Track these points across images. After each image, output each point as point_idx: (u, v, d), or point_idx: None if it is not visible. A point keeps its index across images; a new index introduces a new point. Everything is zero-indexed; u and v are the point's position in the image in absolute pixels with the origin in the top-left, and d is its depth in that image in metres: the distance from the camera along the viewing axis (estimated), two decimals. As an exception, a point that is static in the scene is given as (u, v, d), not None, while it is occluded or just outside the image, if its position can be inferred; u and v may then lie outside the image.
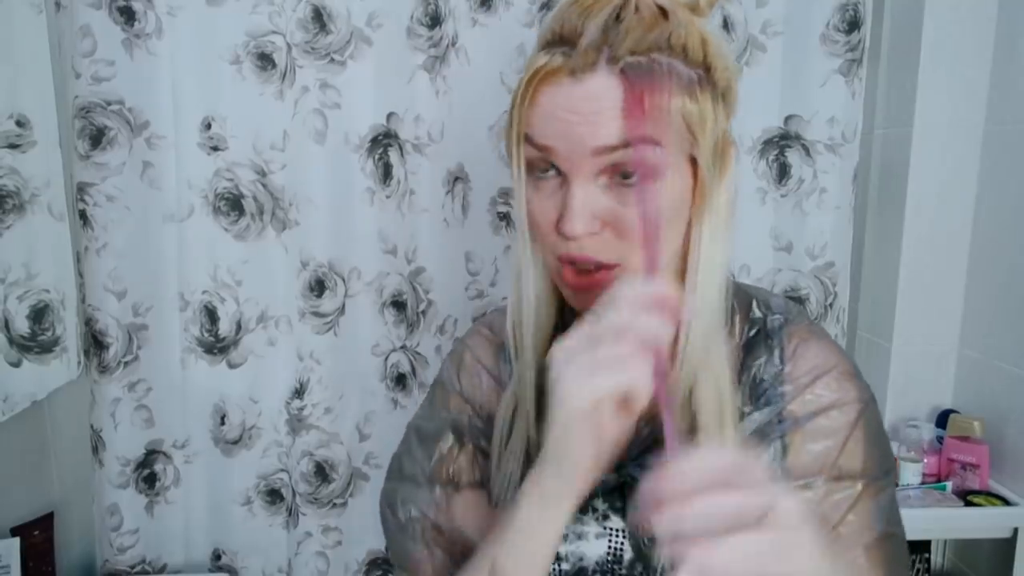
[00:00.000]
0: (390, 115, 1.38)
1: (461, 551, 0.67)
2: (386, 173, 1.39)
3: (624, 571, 0.65)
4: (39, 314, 1.27)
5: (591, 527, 0.65)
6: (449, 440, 0.72)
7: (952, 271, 1.54)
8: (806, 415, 0.62)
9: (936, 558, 1.60)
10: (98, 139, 1.29)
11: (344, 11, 1.32)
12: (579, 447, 0.52)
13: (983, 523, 1.39)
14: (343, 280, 1.41)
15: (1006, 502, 1.39)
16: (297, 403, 1.43)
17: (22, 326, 1.25)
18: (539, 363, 0.65)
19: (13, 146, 1.20)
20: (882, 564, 0.61)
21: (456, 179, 1.41)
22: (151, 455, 1.40)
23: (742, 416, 0.63)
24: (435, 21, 1.35)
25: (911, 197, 1.50)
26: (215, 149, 1.34)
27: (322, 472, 1.45)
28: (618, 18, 0.56)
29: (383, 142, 1.38)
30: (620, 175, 0.56)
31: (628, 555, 0.65)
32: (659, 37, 0.56)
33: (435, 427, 0.74)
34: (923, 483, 1.44)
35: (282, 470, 1.45)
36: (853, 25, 1.39)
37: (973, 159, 1.50)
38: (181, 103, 1.31)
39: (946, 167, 1.50)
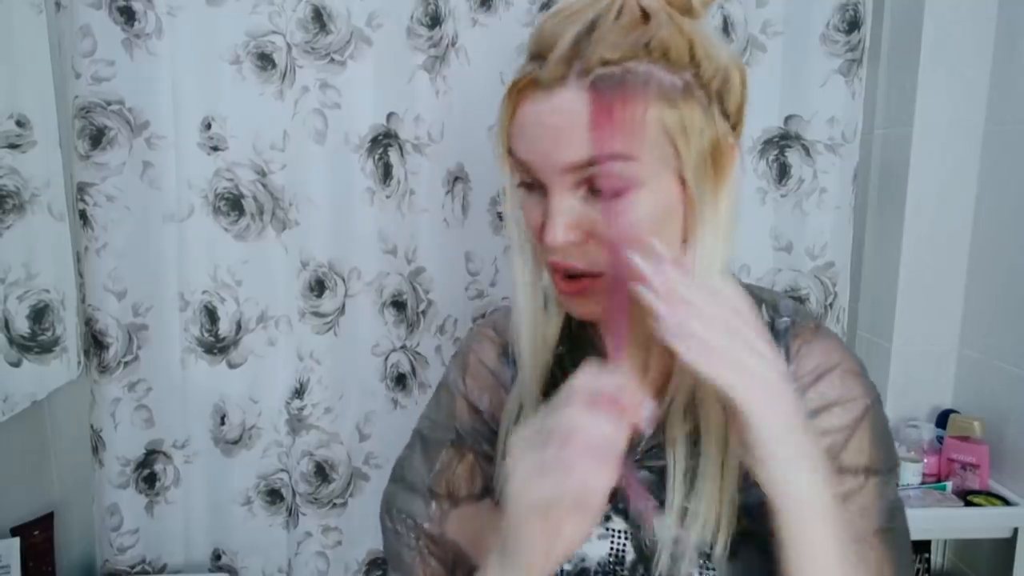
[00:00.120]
0: (390, 115, 1.38)
1: (455, 561, 0.68)
2: (386, 173, 1.39)
3: (626, 572, 0.65)
4: (39, 314, 1.27)
5: (616, 521, 0.65)
6: (450, 452, 0.72)
7: (952, 271, 1.54)
8: (809, 413, 0.62)
9: (936, 558, 1.60)
10: (98, 139, 1.29)
11: (344, 11, 1.32)
12: (528, 545, 0.51)
13: (983, 523, 1.39)
14: (343, 280, 1.41)
15: (1006, 502, 1.39)
16: (297, 403, 1.43)
17: (22, 326, 1.25)
18: (540, 369, 0.66)
19: (13, 146, 1.20)
20: (886, 556, 0.60)
21: (456, 179, 1.41)
22: (151, 455, 1.40)
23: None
24: (435, 21, 1.35)
25: (911, 197, 1.50)
26: (215, 149, 1.34)
27: (322, 472, 1.45)
28: (592, 28, 0.54)
29: (383, 142, 1.38)
30: (597, 188, 0.56)
31: (630, 556, 0.65)
32: (637, 43, 0.54)
33: (438, 437, 0.74)
34: (923, 483, 1.44)
35: (282, 470, 1.45)
36: (853, 25, 1.39)
37: (973, 159, 1.50)
38: (181, 103, 1.31)
39: (946, 167, 1.50)
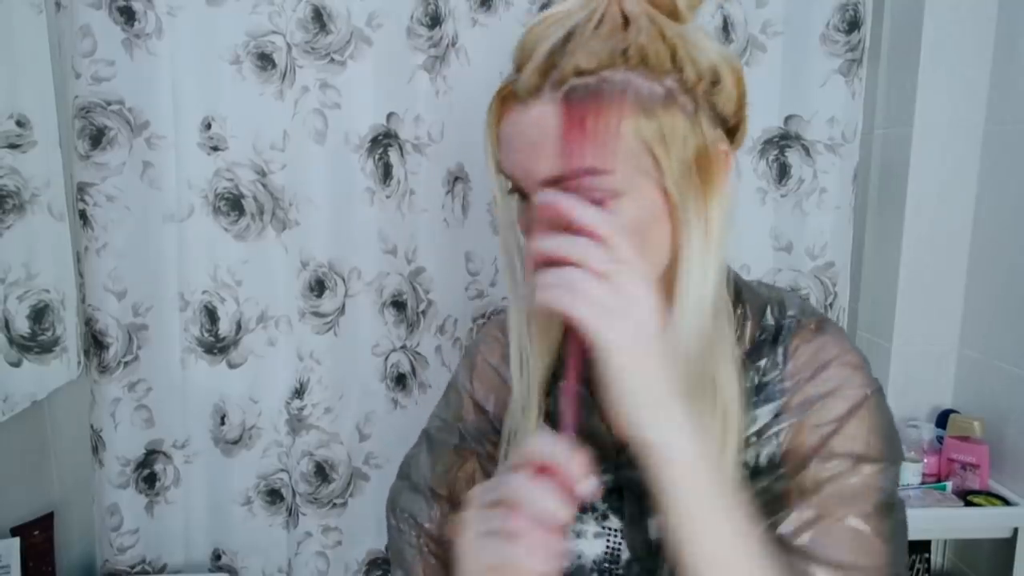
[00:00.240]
0: (390, 115, 1.38)
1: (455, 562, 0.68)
2: (386, 173, 1.39)
3: (621, 571, 0.65)
4: (39, 314, 1.27)
5: (590, 526, 0.66)
6: (453, 455, 0.73)
7: (952, 271, 1.54)
8: (802, 404, 0.61)
9: (936, 558, 1.60)
10: (98, 139, 1.29)
11: (344, 11, 1.32)
12: None
13: (983, 523, 1.39)
14: (343, 280, 1.41)
15: (1006, 502, 1.39)
16: (297, 403, 1.43)
17: (22, 326, 1.25)
18: (543, 371, 0.66)
19: (13, 146, 1.20)
20: (875, 548, 0.59)
21: (456, 179, 1.41)
22: (151, 455, 1.40)
23: (745, 413, 0.62)
24: (435, 21, 1.35)
25: (911, 197, 1.50)
26: (215, 149, 1.34)
27: (322, 472, 1.45)
28: (570, 37, 0.54)
29: (383, 142, 1.38)
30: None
31: (625, 555, 0.65)
32: (614, 50, 0.53)
33: (443, 438, 0.75)
34: (923, 483, 1.44)
35: (282, 470, 1.45)
36: (853, 25, 1.39)
37: (973, 159, 1.50)
38: (181, 103, 1.31)
39: (946, 167, 1.50)
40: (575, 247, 0.50)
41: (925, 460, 1.46)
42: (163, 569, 1.43)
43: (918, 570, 1.56)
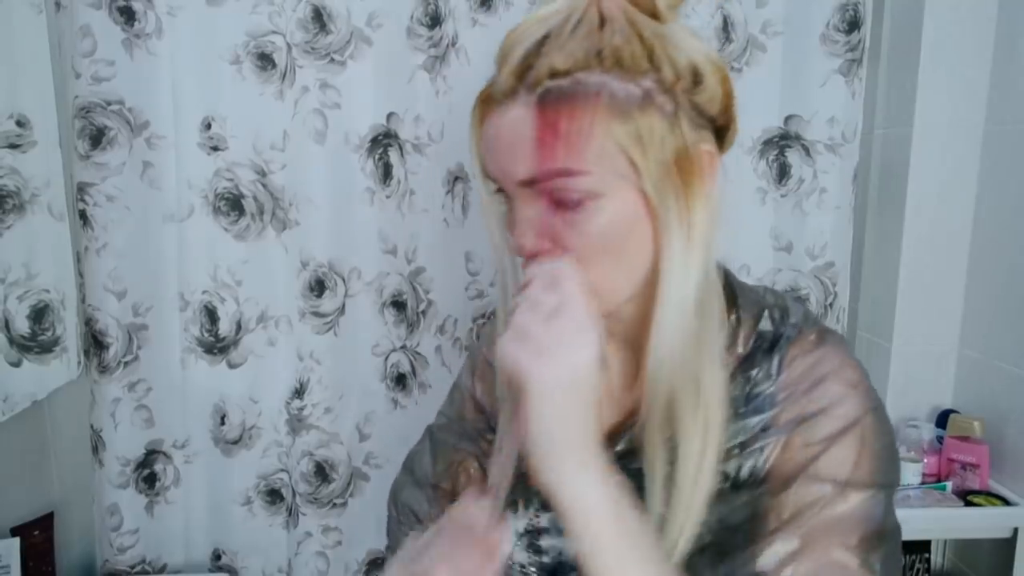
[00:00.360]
0: (390, 115, 1.38)
1: None
2: (386, 173, 1.39)
3: None
4: (39, 314, 1.27)
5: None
6: (454, 453, 0.74)
7: (952, 271, 1.54)
8: (792, 420, 0.59)
9: (936, 558, 1.60)
10: (98, 139, 1.29)
11: (344, 11, 1.32)
12: None
13: (983, 523, 1.39)
14: (343, 280, 1.41)
15: (1006, 502, 1.39)
16: (297, 403, 1.43)
17: (22, 326, 1.25)
18: None
19: (13, 146, 1.20)
20: (868, 566, 0.56)
21: (456, 179, 1.41)
22: (151, 455, 1.40)
23: (732, 423, 0.60)
24: (435, 21, 1.35)
25: (911, 197, 1.50)
26: (215, 149, 1.34)
27: (322, 472, 1.45)
28: (545, 39, 0.53)
29: (383, 142, 1.38)
30: (558, 199, 0.55)
31: None
32: (589, 51, 0.53)
33: (444, 437, 0.76)
34: (923, 483, 1.44)
35: (282, 470, 1.45)
36: (853, 25, 1.39)
37: (973, 159, 1.50)
38: (181, 103, 1.31)
39: (946, 167, 1.50)
40: (531, 292, 0.53)
41: (925, 460, 1.46)
42: (163, 569, 1.43)
43: (918, 570, 1.56)
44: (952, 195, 1.51)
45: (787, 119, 1.43)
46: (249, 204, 1.37)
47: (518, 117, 0.54)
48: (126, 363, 1.37)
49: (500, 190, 0.59)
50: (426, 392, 1.47)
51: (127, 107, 1.30)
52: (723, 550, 0.59)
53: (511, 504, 0.64)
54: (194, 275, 1.37)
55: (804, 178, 1.44)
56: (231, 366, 1.41)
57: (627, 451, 0.63)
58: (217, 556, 1.46)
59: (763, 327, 0.63)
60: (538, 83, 0.53)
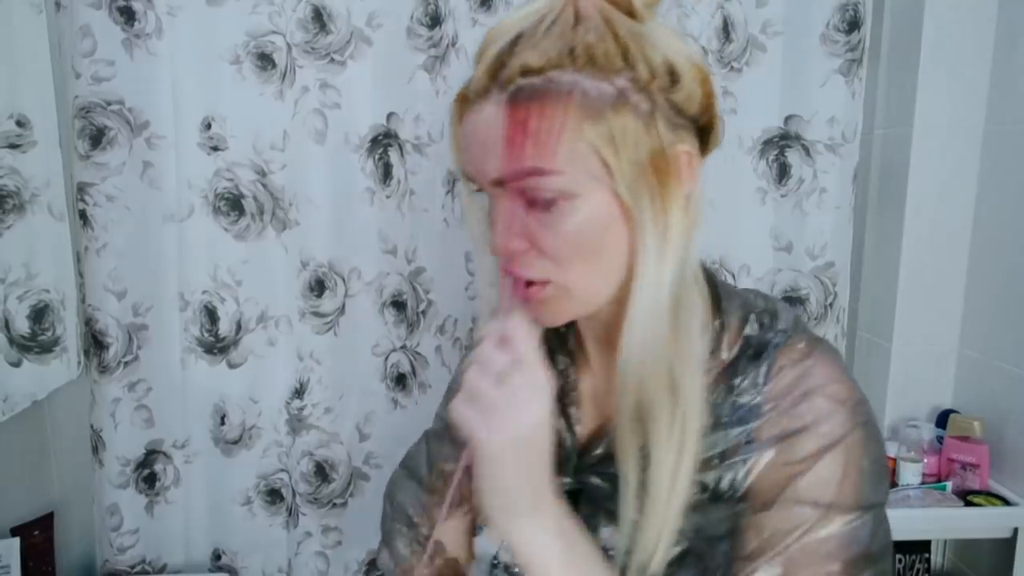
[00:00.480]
0: (390, 115, 1.38)
1: (443, 561, 0.69)
2: (386, 173, 1.39)
3: None
4: (39, 314, 1.27)
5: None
6: (443, 464, 0.74)
7: (952, 271, 1.54)
8: (776, 436, 0.57)
9: (936, 558, 1.60)
10: (98, 139, 1.29)
11: (344, 11, 1.32)
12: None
13: (983, 523, 1.39)
14: (343, 280, 1.41)
15: (1006, 502, 1.39)
16: (297, 403, 1.43)
17: (22, 326, 1.25)
18: None
19: (13, 146, 1.20)
20: None
21: (456, 179, 1.41)
22: (151, 455, 1.40)
23: (713, 432, 0.58)
24: (435, 21, 1.35)
25: (911, 197, 1.50)
26: (215, 149, 1.34)
27: (322, 472, 1.45)
28: (520, 37, 0.53)
29: (383, 142, 1.38)
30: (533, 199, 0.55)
31: None
32: (562, 50, 0.52)
33: (436, 446, 0.76)
34: (923, 483, 1.44)
35: (282, 470, 1.45)
36: (853, 25, 1.39)
37: (973, 159, 1.50)
38: (181, 103, 1.31)
39: (946, 167, 1.50)
40: (482, 352, 0.53)
41: (925, 460, 1.46)
42: (163, 569, 1.43)
43: (918, 570, 1.56)
44: (952, 195, 1.51)
45: (787, 119, 1.43)
46: (249, 204, 1.37)
47: (491, 116, 0.53)
48: (126, 363, 1.37)
49: (480, 190, 0.59)
50: (426, 392, 1.47)
51: (127, 107, 1.30)
52: (703, 561, 0.58)
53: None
54: (194, 275, 1.37)
55: (804, 178, 1.44)
56: (231, 366, 1.41)
57: (606, 455, 0.62)
58: (217, 556, 1.46)
59: (749, 331, 0.61)
60: (510, 81, 0.52)
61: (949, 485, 1.43)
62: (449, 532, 0.70)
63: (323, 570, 1.48)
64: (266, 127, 1.34)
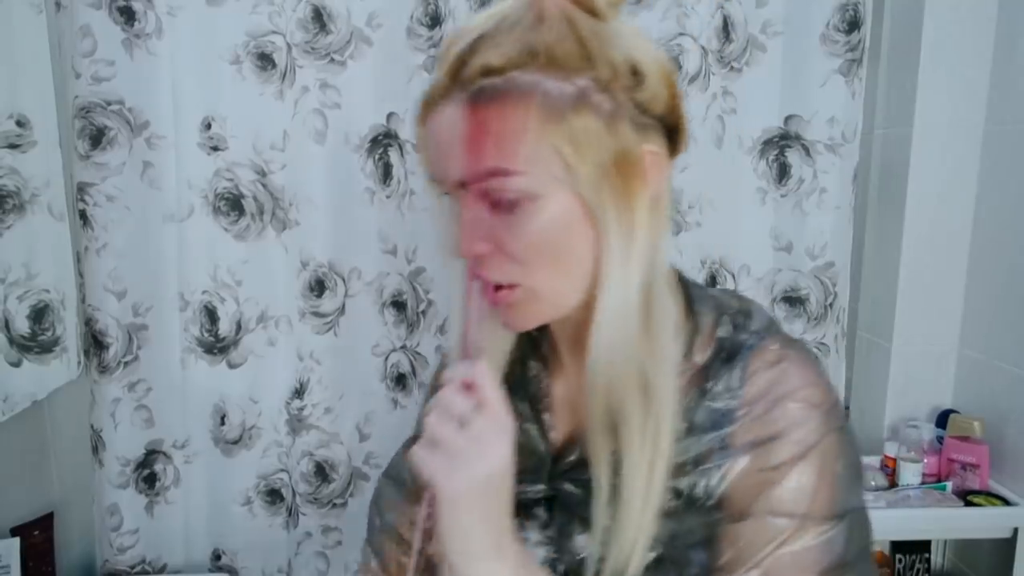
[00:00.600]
0: (390, 115, 1.38)
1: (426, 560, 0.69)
2: (386, 173, 1.39)
3: None
4: (39, 314, 1.27)
5: (533, 534, 0.64)
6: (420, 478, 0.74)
7: (952, 271, 1.54)
8: (750, 443, 0.56)
9: (936, 558, 1.60)
10: (98, 139, 1.29)
11: (344, 11, 1.32)
12: None
13: (983, 523, 1.39)
14: (343, 280, 1.41)
15: (1006, 502, 1.39)
16: (297, 403, 1.43)
17: (22, 326, 1.25)
18: (497, 372, 0.65)
19: (13, 146, 1.20)
20: None
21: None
22: (151, 455, 1.40)
23: (686, 437, 0.57)
24: (435, 21, 1.35)
25: (911, 197, 1.50)
26: (215, 149, 1.34)
27: (322, 472, 1.45)
28: (482, 37, 0.53)
29: (383, 142, 1.38)
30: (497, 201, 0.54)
31: (561, 566, 0.63)
32: (523, 49, 0.51)
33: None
34: (923, 483, 1.44)
35: (282, 470, 1.45)
36: (853, 25, 1.39)
37: (973, 159, 1.50)
38: (181, 103, 1.31)
39: (946, 167, 1.50)
40: (443, 397, 0.52)
41: (925, 460, 1.46)
42: (163, 569, 1.43)
43: (918, 570, 1.56)
44: (952, 195, 1.51)
45: (787, 119, 1.43)
46: (249, 204, 1.37)
47: (453, 117, 0.53)
48: (126, 363, 1.37)
49: (447, 193, 0.58)
50: (426, 392, 1.47)
51: (127, 107, 1.30)
52: (679, 568, 0.57)
53: None
54: (194, 275, 1.37)
55: (804, 178, 1.44)
56: (231, 366, 1.41)
57: (580, 461, 0.61)
58: (217, 556, 1.46)
59: (722, 334, 0.60)
60: (471, 82, 0.52)
61: (949, 485, 1.43)
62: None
63: (323, 570, 1.48)
64: (266, 127, 1.34)
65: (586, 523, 0.59)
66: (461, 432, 0.51)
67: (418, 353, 1.46)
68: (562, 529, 0.62)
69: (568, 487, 0.62)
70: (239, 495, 1.44)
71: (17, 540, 1.26)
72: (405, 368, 1.46)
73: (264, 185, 1.37)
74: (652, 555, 0.56)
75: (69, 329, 1.33)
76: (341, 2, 1.32)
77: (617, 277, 0.54)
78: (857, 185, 1.46)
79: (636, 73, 0.54)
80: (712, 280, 1.46)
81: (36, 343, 1.27)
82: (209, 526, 1.45)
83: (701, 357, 0.59)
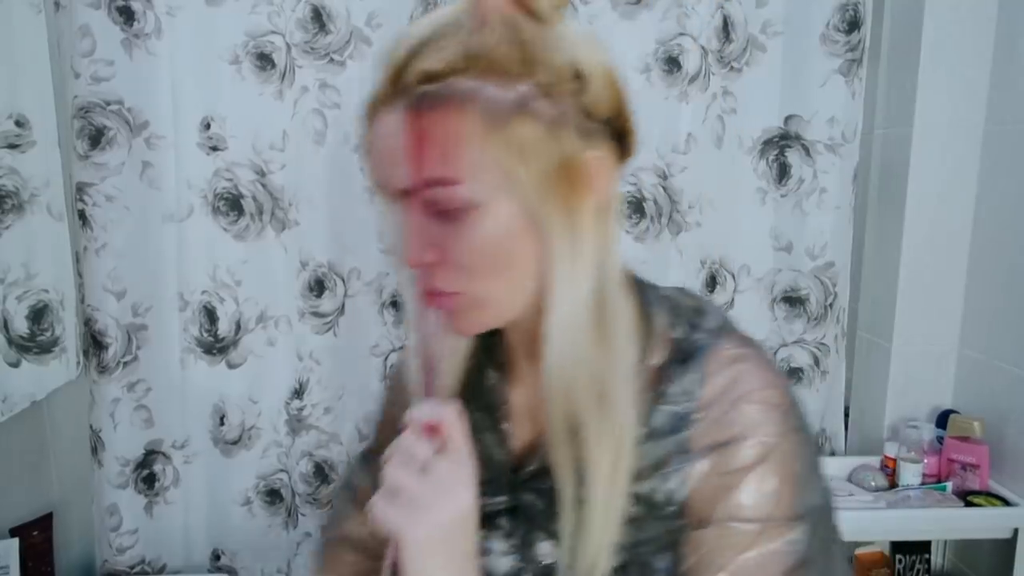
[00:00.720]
0: (390, 115, 1.37)
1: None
2: (386, 173, 1.39)
3: None
4: (38, 314, 1.27)
5: (497, 544, 0.63)
6: (363, 492, 0.74)
7: (952, 271, 1.54)
8: (708, 447, 0.56)
9: (936, 558, 1.60)
10: (97, 139, 1.29)
11: (343, 11, 1.32)
12: None
13: (983, 523, 1.39)
14: (343, 280, 1.41)
15: (1006, 502, 1.38)
16: (297, 403, 1.43)
17: (21, 326, 1.25)
18: (451, 379, 0.65)
19: (13, 146, 1.20)
20: None
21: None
22: (150, 455, 1.40)
23: (645, 441, 0.56)
24: (435, 21, 1.35)
25: (911, 197, 1.50)
26: (215, 149, 1.34)
27: (321, 472, 1.45)
28: (424, 42, 0.51)
29: (383, 142, 1.38)
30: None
31: (528, 575, 0.62)
32: (463, 55, 0.50)
33: (358, 474, 0.77)
34: (923, 483, 1.44)
35: (282, 470, 1.45)
36: (853, 25, 1.39)
37: (973, 159, 1.50)
38: (181, 103, 1.31)
39: (946, 167, 1.50)
40: (403, 443, 0.52)
41: (925, 460, 1.45)
42: (163, 569, 1.43)
43: (918, 570, 1.56)
44: (952, 195, 1.51)
45: (787, 119, 1.43)
46: (249, 204, 1.37)
47: (394, 124, 0.51)
48: (125, 363, 1.36)
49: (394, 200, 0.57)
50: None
51: (126, 107, 1.29)
52: (644, 574, 0.57)
53: None
54: (193, 275, 1.37)
55: (804, 178, 1.44)
56: (231, 366, 1.41)
57: (540, 469, 0.61)
58: (217, 556, 1.46)
59: (677, 334, 0.59)
60: (412, 88, 0.51)
61: (949, 485, 1.43)
62: None
63: (323, 570, 1.48)
64: (266, 127, 1.34)
65: (550, 532, 0.59)
66: (422, 479, 0.50)
67: (418, 353, 1.46)
68: (526, 538, 0.61)
69: (529, 497, 0.61)
70: (239, 495, 1.44)
71: (16, 540, 1.26)
72: (405, 368, 1.46)
73: (264, 185, 1.36)
74: (617, 561, 0.56)
75: (68, 329, 1.33)
76: (341, 2, 1.32)
77: (565, 285, 0.53)
78: (857, 185, 1.46)
79: (579, 77, 0.52)
80: (712, 280, 1.46)
81: (35, 343, 1.27)
82: (209, 526, 1.45)
83: (657, 359, 0.58)
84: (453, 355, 0.64)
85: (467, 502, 0.52)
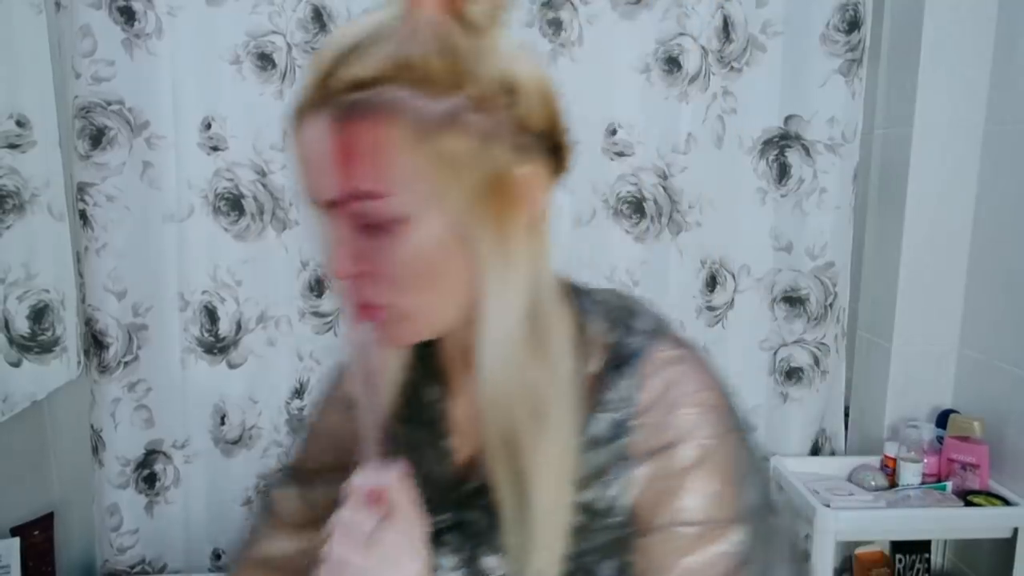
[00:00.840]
0: (390, 115, 1.37)
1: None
2: (386, 173, 1.39)
3: None
4: (39, 314, 1.27)
5: (446, 560, 0.62)
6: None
7: (952, 271, 1.54)
8: (648, 452, 0.55)
9: (936, 558, 1.60)
10: (98, 139, 1.29)
11: (344, 11, 1.32)
12: None
13: (983, 523, 1.39)
14: (343, 280, 1.41)
15: (1006, 502, 1.38)
16: (297, 403, 1.43)
17: (22, 326, 1.25)
18: (390, 391, 0.64)
19: (13, 146, 1.20)
20: None
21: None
22: (151, 455, 1.40)
23: (585, 450, 0.56)
24: (435, 21, 1.35)
25: (911, 197, 1.50)
26: (215, 149, 1.34)
27: (322, 472, 1.45)
28: (353, 48, 0.49)
29: (383, 142, 1.38)
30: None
31: None
32: (393, 64, 0.48)
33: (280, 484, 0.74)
34: (923, 483, 1.44)
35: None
36: (853, 25, 1.39)
37: (973, 159, 1.50)
38: (181, 103, 1.31)
39: (946, 167, 1.50)
40: (344, 516, 0.50)
41: (925, 460, 1.45)
42: (163, 569, 1.43)
43: (918, 570, 1.56)
44: (952, 195, 1.51)
45: (787, 119, 1.43)
46: (249, 204, 1.37)
47: (320, 132, 0.49)
48: (126, 363, 1.37)
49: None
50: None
51: (127, 107, 1.30)
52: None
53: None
54: (194, 275, 1.37)
55: (804, 178, 1.44)
56: (231, 366, 1.41)
57: (483, 485, 0.59)
58: (217, 556, 1.46)
59: (612, 339, 0.58)
60: (339, 95, 0.49)
61: (949, 485, 1.43)
62: None
63: (323, 570, 1.48)
64: (266, 127, 1.34)
65: (495, 546, 0.58)
66: (368, 552, 0.49)
67: (418, 353, 1.46)
68: (473, 553, 0.60)
69: (474, 513, 0.60)
70: (239, 495, 1.44)
71: (17, 540, 1.26)
72: (405, 368, 1.46)
73: (264, 185, 1.37)
74: (565, 571, 0.55)
75: (69, 329, 1.33)
76: (341, 2, 1.32)
77: (496, 299, 0.52)
78: (857, 185, 1.46)
79: (512, 91, 0.51)
80: (712, 280, 1.46)
81: (36, 343, 1.27)
82: (209, 526, 1.45)
83: (594, 366, 0.58)
84: (389, 368, 0.62)
85: (417, 568, 0.50)
